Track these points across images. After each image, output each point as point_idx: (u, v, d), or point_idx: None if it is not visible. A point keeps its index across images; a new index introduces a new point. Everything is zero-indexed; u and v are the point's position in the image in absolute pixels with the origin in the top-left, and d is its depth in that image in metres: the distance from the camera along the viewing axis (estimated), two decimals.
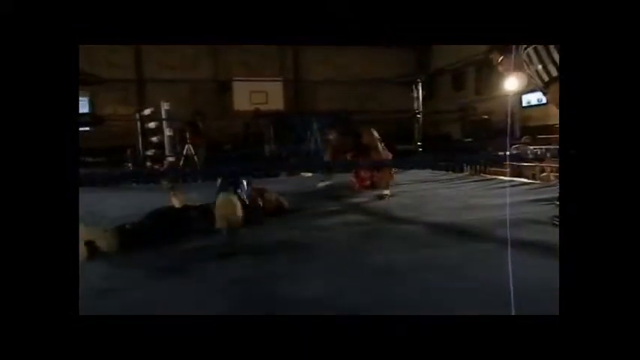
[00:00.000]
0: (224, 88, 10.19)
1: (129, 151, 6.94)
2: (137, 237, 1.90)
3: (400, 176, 4.12)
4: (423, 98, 6.28)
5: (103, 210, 2.80)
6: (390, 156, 3.31)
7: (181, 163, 6.77)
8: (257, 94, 9.84)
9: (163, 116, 6.68)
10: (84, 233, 1.70)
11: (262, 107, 9.65)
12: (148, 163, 6.75)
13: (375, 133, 3.23)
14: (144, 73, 10.44)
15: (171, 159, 6.72)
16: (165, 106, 6.76)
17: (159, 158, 6.90)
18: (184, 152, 6.86)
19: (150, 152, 6.96)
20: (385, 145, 3.27)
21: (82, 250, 1.68)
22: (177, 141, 6.95)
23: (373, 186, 3.31)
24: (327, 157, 3.67)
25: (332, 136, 3.51)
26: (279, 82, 10.15)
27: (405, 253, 1.70)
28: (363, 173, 3.34)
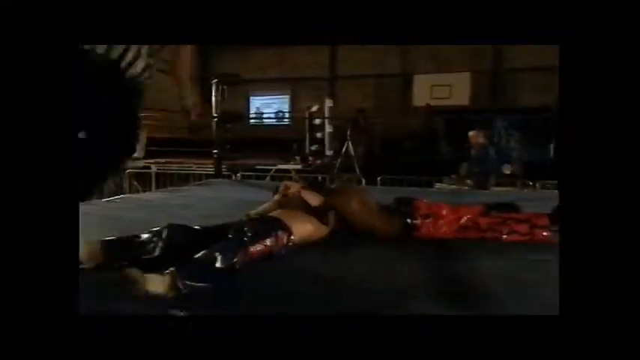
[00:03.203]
0: (407, 83, 9.82)
1: (295, 145, 7.43)
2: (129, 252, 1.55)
3: None
4: None
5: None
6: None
7: (339, 160, 6.84)
8: (439, 88, 9.08)
9: (326, 113, 6.85)
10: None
11: (444, 102, 8.86)
12: (310, 158, 7.07)
13: None
14: (336, 70, 11.04)
15: (329, 154, 6.87)
16: (328, 103, 6.92)
17: (321, 154, 7.15)
18: (343, 149, 6.90)
19: (314, 147, 7.29)
20: None
21: None
22: (339, 138, 7.05)
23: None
24: None
25: None
26: (466, 74, 9.08)
27: None
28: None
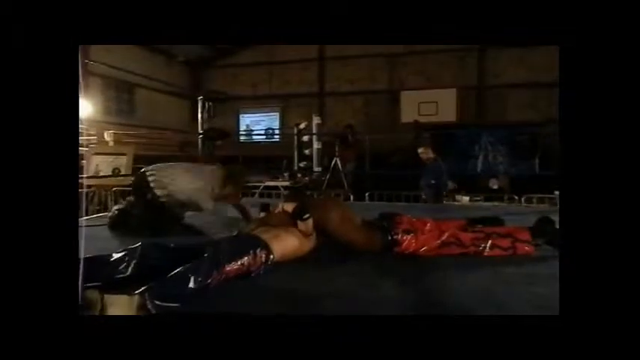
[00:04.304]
0: (394, 100, 9.92)
1: (284, 162, 7.43)
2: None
3: None
4: None
5: None
6: None
7: (327, 176, 6.85)
8: (426, 104, 9.19)
9: (314, 130, 6.88)
10: None
11: (432, 119, 8.96)
12: (299, 175, 7.07)
13: None
14: (325, 87, 11.14)
15: (317, 170, 6.87)
16: (316, 120, 6.96)
17: (309, 170, 7.16)
18: (331, 166, 6.92)
19: (302, 164, 7.30)
20: None
21: None
22: (327, 154, 7.07)
23: None
24: None
25: None
26: (452, 91, 9.21)
27: None
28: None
